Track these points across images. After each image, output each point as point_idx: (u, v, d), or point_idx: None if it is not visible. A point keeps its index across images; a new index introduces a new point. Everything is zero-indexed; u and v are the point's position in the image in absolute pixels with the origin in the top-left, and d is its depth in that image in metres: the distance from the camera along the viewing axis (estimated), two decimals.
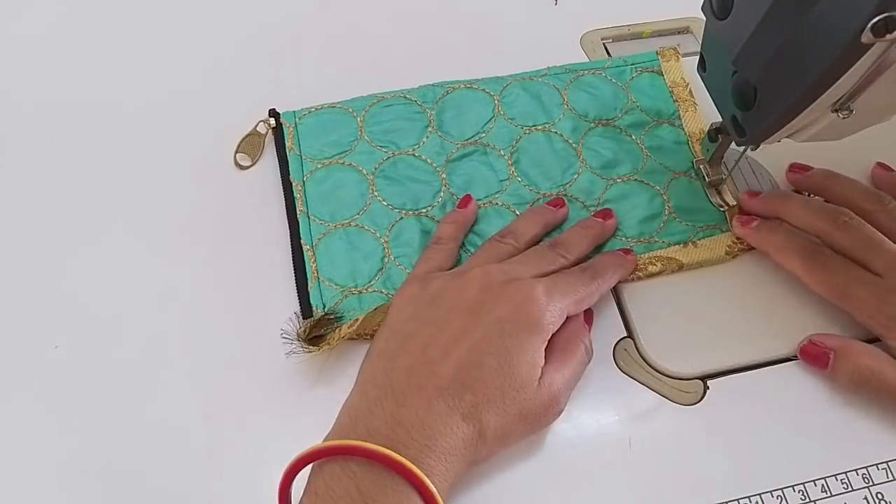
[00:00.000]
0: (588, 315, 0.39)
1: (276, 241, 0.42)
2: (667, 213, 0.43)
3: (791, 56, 0.31)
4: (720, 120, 0.39)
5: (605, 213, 0.42)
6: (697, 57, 0.39)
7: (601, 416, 0.37)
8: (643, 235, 0.42)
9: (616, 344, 0.39)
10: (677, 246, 0.42)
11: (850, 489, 0.35)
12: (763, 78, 0.33)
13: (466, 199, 0.42)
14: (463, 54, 0.51)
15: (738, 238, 0.42)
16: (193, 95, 0.48)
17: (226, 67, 0.50)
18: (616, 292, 0.41)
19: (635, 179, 0.44)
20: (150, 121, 0.47)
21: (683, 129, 0.46)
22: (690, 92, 0.47)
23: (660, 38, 0.53)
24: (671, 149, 0.45)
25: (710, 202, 0.43)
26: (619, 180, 0.44)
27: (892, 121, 0.36)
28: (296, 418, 0.37)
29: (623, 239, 0.42)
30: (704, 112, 0.46)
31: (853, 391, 0.37)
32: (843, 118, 0.32)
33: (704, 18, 0.35)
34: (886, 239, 0.38)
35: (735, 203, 0.43)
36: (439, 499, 0.30)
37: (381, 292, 0.40)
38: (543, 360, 0.34)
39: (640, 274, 0.40)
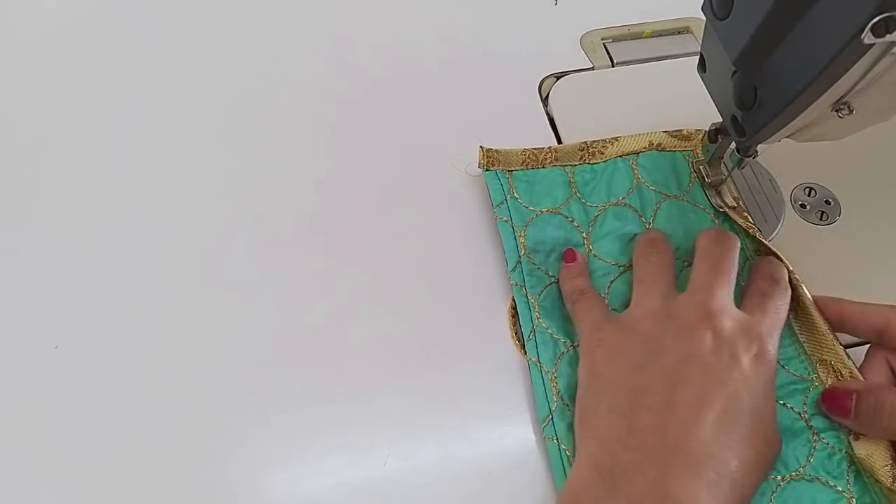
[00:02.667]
0: None
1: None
2: None
3: (791, 56, 0.31)
4: (720, 120, 0.39)
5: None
6: (697, 57, 0.39)
7: None
8: None
9: None
10: None
11: None
12: (763, 78, 0.33)
13: (571, 254, 0.40)
14: (463, 54, 0.51)
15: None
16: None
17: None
18: None
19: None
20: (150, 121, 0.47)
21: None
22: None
23: (660, 38, 0.54)
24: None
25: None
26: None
27: (893, 121, 0.36)
28: (297, 417, 0.37)
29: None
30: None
31: (886, 437, 0.33)
32: (843, 118, 0.32)
33: (704, 18, 0.35)
34: None
35: (735, 205, 0.43)
36: None
37: None
38: None
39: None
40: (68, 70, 0.50)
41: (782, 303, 0.36)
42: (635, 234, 0.42)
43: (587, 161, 0.45)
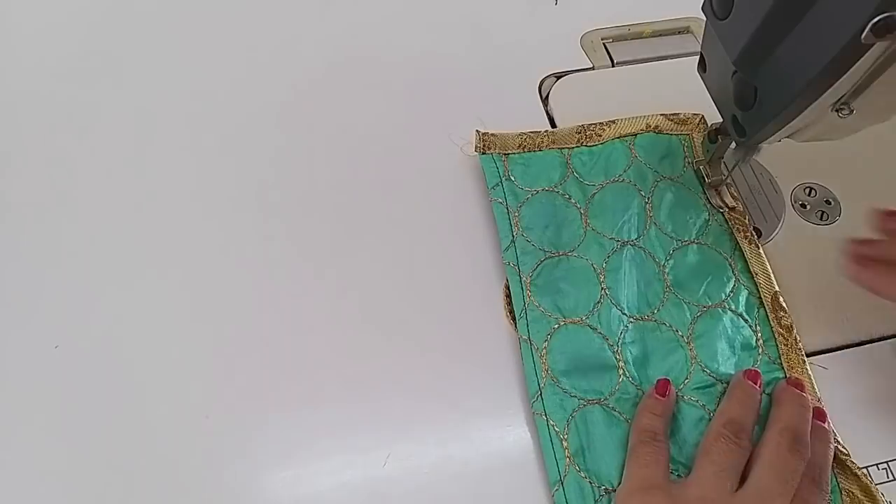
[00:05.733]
0: None
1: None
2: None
3: (791, 56, 0.31)
4: (720, 120, 0.39)
5: (798, 383, 0.38)
6: (697, 57, 0.39)
7: None
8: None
9: None
10: None
11: None
12: (763, 78, 0.33)
13: (664, 386, 0.37)
14: (463, 54, 0.51)
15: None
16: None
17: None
18: None
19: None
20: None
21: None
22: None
23: (660, 38, 0.53)
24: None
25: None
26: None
27: (893, 121, 0.36)
28: (297, 417, 0.37)
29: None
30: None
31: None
32: (843, 118, 0.32)
33: (704, 18, 0.35)
34: None
35: (735, 205, 0.43)
36: None
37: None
38: None
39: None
40: (69, 72, 0.49)
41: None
42: (635, 209, 0.43)
43: (584, 144, 0.45)
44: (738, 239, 0.42)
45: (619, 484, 0.35)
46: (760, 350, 0.39)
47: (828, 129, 0.34)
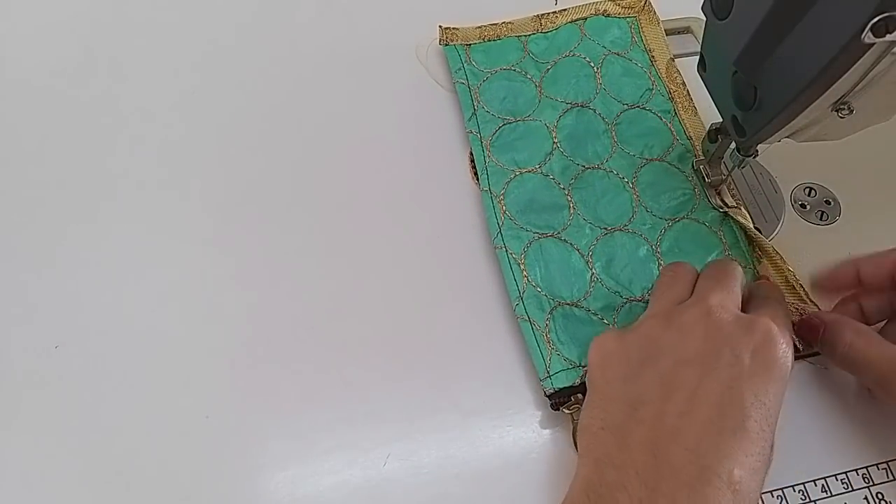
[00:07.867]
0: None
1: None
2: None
3: (791, 56, 0.31)
4: (720, 120, 0.39)
5: None
6: (697, 57, 0.39)
7: None
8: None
9: None
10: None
11: (850, 489, 0.35)
12: (763, 78, 0.33)
13: None
14: None
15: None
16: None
17: None
18: None
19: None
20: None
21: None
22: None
23: None
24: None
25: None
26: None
27: (893, 121, 0.36)
28: (297, 417, 0.37)
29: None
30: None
31: (840, 368, 0.36)
32: (843, 118, 0.32)
33: (704, 18, 0.35)
34: None
35: (735, 204, 0.43)
36: None
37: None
38: None
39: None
40: (69, 71, 0.49)
41: (781, 305, 0.34)
42: (585, 76, 0.48)
43: (540, 31, 0.50)
44: (677, 108, 0.47)
45: (569, 298, 0.39)
46: (697, 197, 0.43)
47: (828, 129, 0.34)
